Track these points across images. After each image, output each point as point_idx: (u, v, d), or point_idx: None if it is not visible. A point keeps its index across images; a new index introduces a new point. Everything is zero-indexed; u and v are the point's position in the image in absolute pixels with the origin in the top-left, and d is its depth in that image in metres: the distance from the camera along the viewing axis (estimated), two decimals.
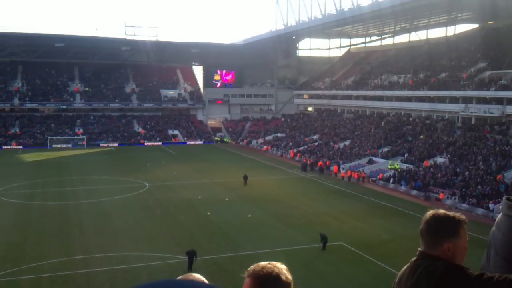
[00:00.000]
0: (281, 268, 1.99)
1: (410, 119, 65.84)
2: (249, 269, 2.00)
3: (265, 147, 77.43)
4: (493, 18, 70.75)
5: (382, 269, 24.88)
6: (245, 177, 46.87)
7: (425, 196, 42.56)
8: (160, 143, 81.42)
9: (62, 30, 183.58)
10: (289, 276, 1.99)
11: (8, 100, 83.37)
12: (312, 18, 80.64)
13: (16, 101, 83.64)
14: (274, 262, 2.02)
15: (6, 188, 44.22)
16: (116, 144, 78.95)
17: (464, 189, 40.86)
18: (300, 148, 69.25)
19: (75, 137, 79.56)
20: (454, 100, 59.19)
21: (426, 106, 63.45)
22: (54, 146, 75.59)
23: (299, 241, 29.11)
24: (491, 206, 37.05)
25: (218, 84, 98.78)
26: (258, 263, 2.01)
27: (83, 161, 62.36)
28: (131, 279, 22.57)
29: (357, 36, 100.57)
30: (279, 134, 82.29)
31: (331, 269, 25.14)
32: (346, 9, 71.54)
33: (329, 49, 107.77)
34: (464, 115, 57.18)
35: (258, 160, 65.01)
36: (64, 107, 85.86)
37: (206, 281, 1.89)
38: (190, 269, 23.21)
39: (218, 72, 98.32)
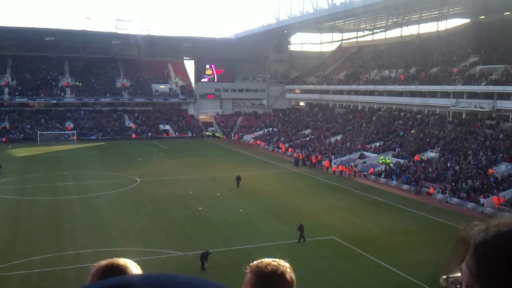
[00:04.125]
0: (286, 266, 1.94)
1: (402, 113, 66.03)
2: (251, 264, 1.93)
3: (252, 140, 78.26)
4: (484, 13, 71.07)
5: (373, 263, 25.01)
6: (238, 178, 43.68)
7: (416, 190, 42.76)
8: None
9: (52, 24, 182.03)
10: (293, 276, 1.93)
11: None
12: (304, 13, 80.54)
13: (6, 96, 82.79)
14: (278, 260, 1.96)
15: None
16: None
17: (454, 183, 41.09)
18: (291, 143, 69.31)
19: (65, 131, 79.03)
20: (445, 94, 59.46)
21: (417, 100, 63.67)
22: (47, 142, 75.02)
23: (290, 236, 29.08)
24: (481, 200, 37.34)
25: (208, 79, 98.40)
26: (262, 260, 1.94)
27: (73, 156, 61.96)
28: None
29: (349, 30, 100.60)
30: (271, 129, 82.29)
31: (323, 263, 25.20)
32: (338, 4, 71.54)
33: (321, 43, 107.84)
34: (455, 109, 57.45)
35: (249, 155, 64.96)
36: (55, 101, 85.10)
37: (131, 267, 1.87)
38: (203, 269, 23.43)
39: (209, 66, 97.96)
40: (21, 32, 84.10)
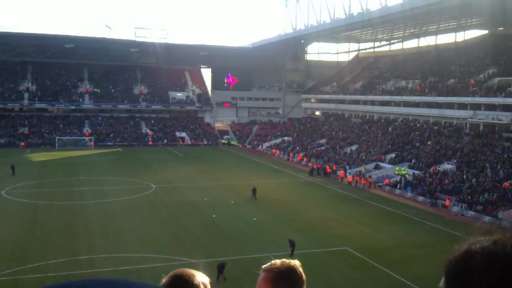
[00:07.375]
0: (296, 263, 2.10)
1: (418, 124, 65.53)
2: (265, 265, 2.07)
3: (260, 147, 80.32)
4: (503, 24, 70.37)
5: (387, 275, 24.78)
6: (254, 190, 42.12)
7: (432, 202, 42.34)
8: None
9: (72, 31, 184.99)
10: (303, 272, 2.07)
11: (18, 100, 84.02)
12: (321, 22, 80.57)
13: (26, 101, 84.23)
14: (289, 259, 2.11)
15: (13, 187, 44.52)
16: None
17: (470, 196, 40.58)
18: (306, 152, 69.16)
19: (83, 137, 79.96)
20: (462, 106, 58.86)
21: (434, 112, 63.12)
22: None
23: (303, 246, 28.96)
24: (499, 214, 36.74)
25: (231, 87, 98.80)
26: (274, 260, 2.09)
27: (90, 162, 62.62)
28: (135, 280, 22.54)
29: (365, 40, 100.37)
30: (286, 138, 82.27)
31: (336, 274, 25.05)
32: (355, 14, 71.40)
33: (337, 53, 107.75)
34: (472, 121, 56.85)
35: (264, 164, 64.98)
36: (73, 107, 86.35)
37: (198, 278, 1.93)
38: (219, 277, 23.02)
39: (227, 74, 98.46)
40: (42, 39, 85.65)
